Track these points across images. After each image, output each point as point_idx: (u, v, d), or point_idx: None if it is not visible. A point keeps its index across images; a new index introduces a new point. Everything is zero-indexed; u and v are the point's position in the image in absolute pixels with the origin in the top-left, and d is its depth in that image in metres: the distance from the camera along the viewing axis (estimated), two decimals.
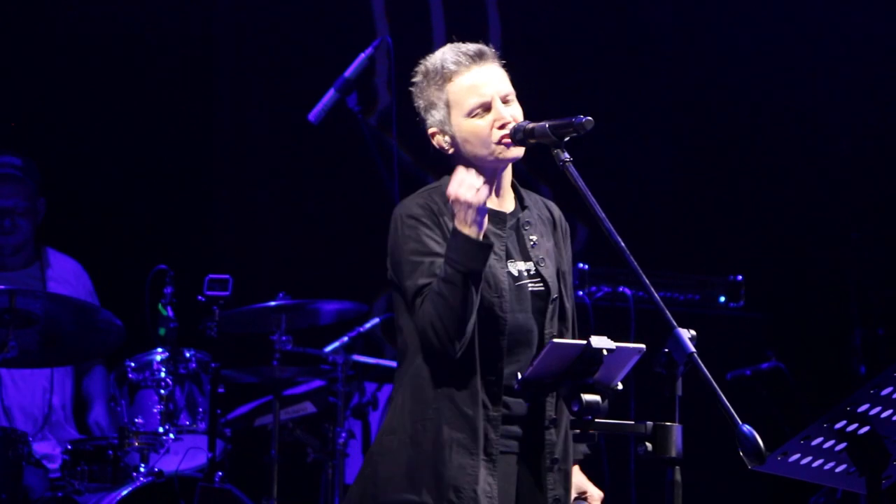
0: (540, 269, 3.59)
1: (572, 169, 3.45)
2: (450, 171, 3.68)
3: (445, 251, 3.48)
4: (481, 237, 3.45)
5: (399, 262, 3.55)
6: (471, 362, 3.50)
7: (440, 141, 3.65)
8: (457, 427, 3.48)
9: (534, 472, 3.57)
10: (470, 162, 3.61)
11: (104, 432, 6.06)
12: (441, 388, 3.50)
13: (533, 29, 7.65)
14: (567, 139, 3.48)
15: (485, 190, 3.46)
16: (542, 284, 3.59)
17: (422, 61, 3.67)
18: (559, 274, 3.65)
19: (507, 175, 3.68)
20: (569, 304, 3.67)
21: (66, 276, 6.25)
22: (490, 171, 3.64)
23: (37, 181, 6.19)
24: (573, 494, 3.69)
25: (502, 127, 3.57)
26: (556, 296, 3.61)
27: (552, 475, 3.56)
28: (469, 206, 3.44)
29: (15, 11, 6.87)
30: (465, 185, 3.45)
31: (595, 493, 3.76)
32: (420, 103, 3.66)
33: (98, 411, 6.22)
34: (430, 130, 3.66)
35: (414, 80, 3.68)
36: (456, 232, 3.46)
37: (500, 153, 3.59)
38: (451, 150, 3.65)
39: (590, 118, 3.46)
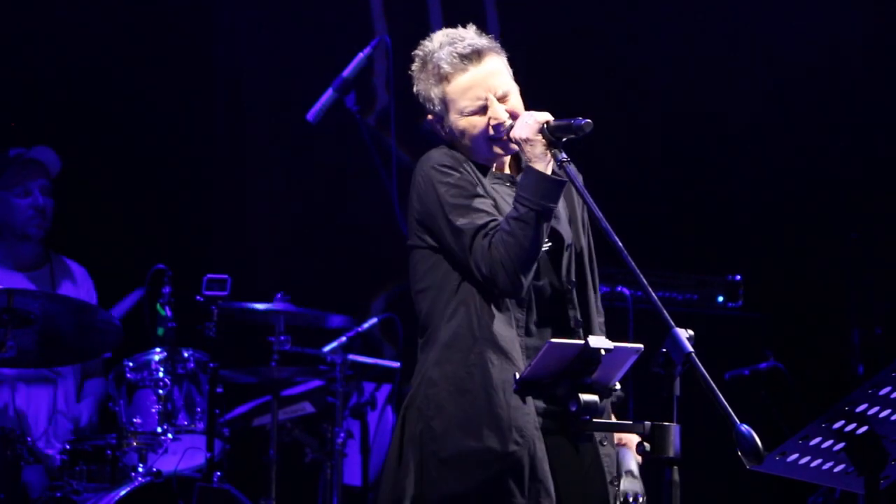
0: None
1: (570, 169, 3.46)
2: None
3: (516, 190, 3.50)
4: (550, 172, 3.46)
5: (439, 208, 3.54)
6: (509, 306, 3.51)
7: (437, 128, 3.68)
8: (505, 368, 3.48)
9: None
10: (467, 150, 3.64)
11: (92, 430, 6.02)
12: (482, 335, 3.50)
13: (532, 29, 7.64)
14: (565, 140, 3.48)
15: (542, 116, 3.48)
16: (552, 243, 3.59)
17: (420, 48, 3.68)
18: (572, 225, 3.66)
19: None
20: (586, 253, 3.67)
21: (73, 280, 6.24)
22: (484, 163, 3.66)
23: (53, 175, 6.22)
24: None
25: (497, 127, 3.58)
26: (569, 242, 3.63)
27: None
28: (531, 141, 3.47)
29: (13, 13, 6.87)
30: (526, 123, 3.48)
31: (631, 438, 3.72)
32: (418, 90, 3.69)
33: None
34: (429, 117, 3.69)
35: (412, 65, 3.69)
36: (528, 169, 3.49)
37: (495, 151, 3.61)
38: (448, 139, 3.67)
39: (588, 121, 3.46)
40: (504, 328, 3.51)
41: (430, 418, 3.50)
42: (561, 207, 3.62)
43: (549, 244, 3.59)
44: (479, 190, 3.56)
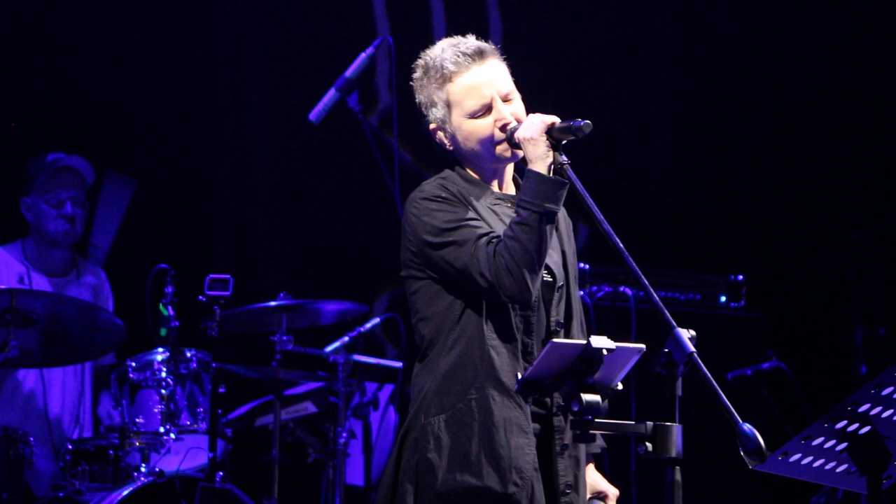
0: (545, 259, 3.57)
1: (570, 172, 3.45)
2: (451, 166, 3.69)
3: (518, 196, 3.47)
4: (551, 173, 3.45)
5: (436, 232, 3.51)
6: (512, 340, 3.50)
7: (441, 137, 3.67)
8: (507, 406, 3.47)
9: (543, 458, 3.53)
10: (470, 159, 3.63)
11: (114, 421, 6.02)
12: (483, 368, 3.47)
13: (533, 29, 7.64)
14: (564, 142, 3.48)
15: (549, 118, 3.47)
16: (548, 274, 3.58)
17: (421, 55, 3.67)
18: (565, 265, 3.65)
19: (509, 170, 3.69)
20: (574, 295, 3.66)
21: (96, 285, 6.23)
22: (491, 170, 3.65)
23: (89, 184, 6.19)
24: (588, 494, 3.66)
25: (503, 127, 3.57)
26: (561, 283, 3.61)
27: (562, 461, 3.54)
28: (535, 141, 3.45)
29: (14, 14, 6.87)
30: (532, 124, 3.47)
31: (611, 492, 3.75)
32: (421, 99, 3.67)
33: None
34: (431, 126, 3.67)
35: (414, 75, 3.68)
36: (529, 173, 3.47)
37: (500, 153, 3.60)
38: (451, 147, 3.66)
39: (588, 122, 3.45)
40: (507, 363, 3.49)
41: (427, 450, 3.47)
42: (550, 247, 3.56)
43: (548, 276, 3.57)
44: (473, 214, 3.53)
